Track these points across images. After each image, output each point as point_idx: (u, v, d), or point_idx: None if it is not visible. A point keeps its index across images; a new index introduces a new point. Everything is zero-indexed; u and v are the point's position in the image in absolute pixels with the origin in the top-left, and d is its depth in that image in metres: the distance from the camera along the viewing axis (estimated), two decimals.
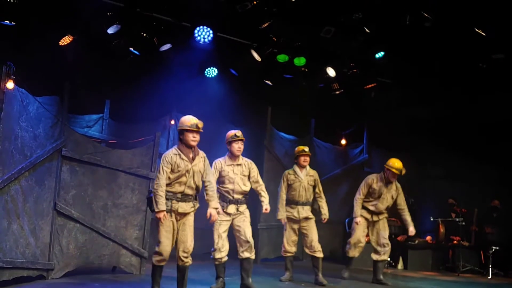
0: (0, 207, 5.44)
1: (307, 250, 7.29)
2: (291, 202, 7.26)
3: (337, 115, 10.77)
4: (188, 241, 5.48)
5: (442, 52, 9.00)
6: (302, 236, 7.29)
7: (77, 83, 7.29)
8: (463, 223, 9.62)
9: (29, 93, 5.90)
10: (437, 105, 10.23)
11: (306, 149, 7.42)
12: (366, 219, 7.59)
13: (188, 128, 5.41)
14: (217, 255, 6.18)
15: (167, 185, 5.37)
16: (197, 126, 5.42)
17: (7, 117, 5.48)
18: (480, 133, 10.29)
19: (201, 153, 5.60)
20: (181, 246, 5.46)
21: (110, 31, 8.05)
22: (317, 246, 7.16)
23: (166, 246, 5.39)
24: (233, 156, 6.34)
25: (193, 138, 5.44)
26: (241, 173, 6.34)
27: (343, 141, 11.27)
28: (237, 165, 6.35)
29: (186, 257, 5.48)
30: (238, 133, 6.33)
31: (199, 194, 5.65)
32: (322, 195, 7.42)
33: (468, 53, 8.89)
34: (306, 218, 7.22)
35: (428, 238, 10.36)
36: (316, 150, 10.70)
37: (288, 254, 7.29)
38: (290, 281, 7.20)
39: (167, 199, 5.35)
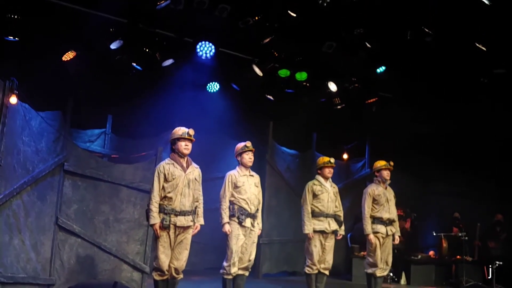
0: (2, 222, 5.43)
1: (321, 266, 6.97)
2: (319, 214, 6.96)
3: (339, 130, 10.77)
4: (182, 259, 5.52)
5: (443, 67, 9.03)
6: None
7: (80, 98, 7.31)
8: (466, 238, 9.56)
9: (32, 108, 5.93)
10: (439, 120, 10.23)
11: (332, 160, 7.18)
12: (381, 235, 7.23)
13: (180, 137, 5.50)
14: (233, 270, 6.14)
15: (165, 198, 5.40)
16: (188, 134, 5.52)
17: (10, 132, 5.50)
18: (483, 148, 10.27)
19: (195, 165, 5.70)
20: (175, 263, 5.49)
21: (113, 46, 8.10)
22: (331, 263, 7.06)
23: (164, 262, 5.41)
24: (244, 167, 6.37)
25: (185, 147, 5.53)
26: (255, 184, 6.39)
27: (345, 156, 11.25)
28: (250, 175, 6.40)
29: (178, 274, 5.53)
30: (248, 143, 6.38)
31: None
32: (341, 208, 7.21)
33: (469, 68, 8.92)
34: (333, 232, 7.00)
35: (431, 253, 10.30)
36: None
37: (316, 271, 6.96)
38: None
39: (165, 213, 5.38)
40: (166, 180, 5.42)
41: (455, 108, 9.86)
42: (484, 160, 10.21)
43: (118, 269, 7.05)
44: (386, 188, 7.52)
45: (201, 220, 5.68)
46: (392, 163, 7.46)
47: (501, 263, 9.19)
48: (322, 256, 6.99)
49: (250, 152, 6.37)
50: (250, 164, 6.38)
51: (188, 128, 5.65)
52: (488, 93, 9.31)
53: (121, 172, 7.15)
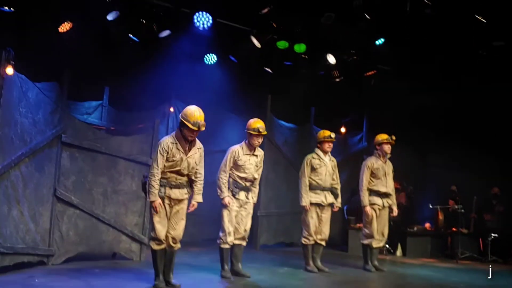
0: (1, 193, 5.44)
1: (317, 237, 7.08)
2: (316, 187, 7.04)
3: (337, 103, 10.75)
4: (179, 229, 5.56)
5: (442, 40, 8.96)
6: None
7: (76, 70, 7.26)
8: (462, 211, 9.64)
9: (28, 79, 5.88)
10: (437, 94, 10.21)
11: (333, 135, 7.18)
12: (377, 207, 7.37)
13: (190, 127, 5.30)
14: (229, 239, 6.23)
15: (161, 172, 5.40)
16: (199, 127, 5.32)
17: (6, 103, 5.46)
18: (481, 121, 10.28)
19: (198, 144, 5.58)
20: (172, 233, 5.53)
21: (109, 17, 8.02)
22: (327, 234, 7.17)
23: (160, 231, 5.46)
24: (251, 146, 6.38)
25: (191, 135, 5.40)
26: (256, 163, 6.41)
27: (343, 129, 11.25)
28: (253, 155, 6.41)
29: (175, 243, 5.57)
30: (262, 128, 6.32)
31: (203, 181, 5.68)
32: (339, 181, 7.30)
33: (469, 41, 8.86)
34: (329, 205, 7.13)
35: (427, 225, 10.39)
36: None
37: (313, 242, 7.08)
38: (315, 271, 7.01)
39: (160, 185, 5.40)
40: (167, 159, 5.39)
41: (454, 81, 9.84)
42: (482, 133, 10.22)
43: (116, 241, 7.10)
44: (385, 162, 7.54)
45: (198, 198, 5.64)
46: (394, 138, 7.48)
47: (496, 235, 9.30)
48: (319, 227, 7.09)
49: (260, 137, 6.36)
50: (257, 146, 6.41)
51: (198, 120, 5.32)
52: (487, 66, 9.26)
53: (118, 144, 7.15)
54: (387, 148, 7.52)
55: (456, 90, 9.93)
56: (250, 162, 6.35)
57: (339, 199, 7.24)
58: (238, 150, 6.37)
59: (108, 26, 8.20)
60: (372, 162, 7.49)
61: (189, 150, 5.46)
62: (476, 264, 9.03)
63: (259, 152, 6.50)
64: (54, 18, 7.89)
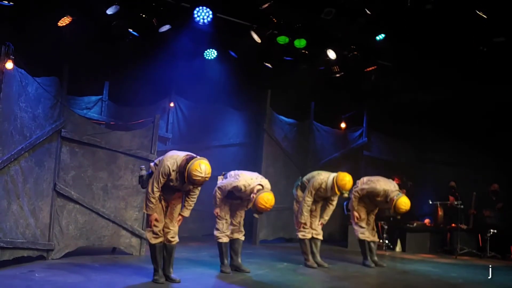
0: (0, 188, 5.44)
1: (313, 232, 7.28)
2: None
3: (337, 99, 10.74)
4: (175, 223, 5.64)
5: (443, 36, 8.93)
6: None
7: (76, 64, 7.24)
8: (462, 207, 9.65)
9: (28, 74, 5.87)
10: (437, 90, 10.20)
11: (346, 195, 7.13)
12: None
13: (195, 181, 5.25)
14: (224, 233, 6.35)
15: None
16: (203, 182, 5.31)
17: (6, 98, 5.46)
18: (480, 118, 10.28)
19: None
20: (170, 227, 5.60)
21: (109, 12, 7.98)
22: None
23: (157, 225, 5.54)
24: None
25: (196, 184, 5.36)
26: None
27: (343, 125, 11.24)
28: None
29: (173, 237, 5.62)
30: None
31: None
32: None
33: (469, 36, 8.83)
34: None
35: (427, 221, 10.40)
36: (315, 133, 10.70)
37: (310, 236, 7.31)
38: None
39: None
40: (169, 180, 5.44)
41: (454, 77, 9.81)
42: (482, 129, 10.22)
43: (116, 235, 7.11)
44: None
45: (186, 213, 5.69)
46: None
47: (495, 231, 9.30)
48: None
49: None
50: None
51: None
52: (487, 62, 9.24)
53: (118, 139, 7.15)
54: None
55: (456, 86, 9.91)
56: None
57: None
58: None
59: (108, 20, 8.17)
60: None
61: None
62: (475, 260, 9.04)
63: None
64: (53, 12, 7.85)
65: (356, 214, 7.58)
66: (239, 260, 6.42)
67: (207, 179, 5.26)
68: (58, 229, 6.49)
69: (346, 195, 7.09)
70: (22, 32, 7.16)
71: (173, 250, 5.63)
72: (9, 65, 5.42)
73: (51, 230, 6.38)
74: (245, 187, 6.10)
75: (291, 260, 7.49)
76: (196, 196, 5.67)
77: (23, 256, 5.91)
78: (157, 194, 5.42)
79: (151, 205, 5.43)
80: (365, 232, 7.56)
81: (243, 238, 6.49)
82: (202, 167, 5.19)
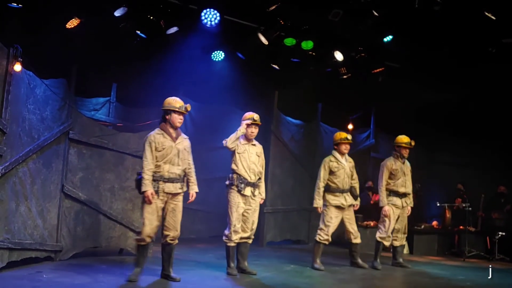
0: (9, 189, 5.47)
1: (350, 237, 7.26)
2: (335, 190, 7.14)
3: (344, 100, 10.72)
4: (178, 228, 5.65)
5: (451, 37, 8.90)
6: (342, 223, 7.23)
7: (84, 66, 7.28)
8: (470, 209, 9.60)
9: (36, 76, 5.90)
10: (445, 91, 10.15)
11: (349, 137, 7.34)
12: (396, 207, 7.49)
13: (177, 110, 5.57)
14: (234, 237, 6.21)
15: (155, 167, 5.51)
16: (185, 109, 5.60)
17: (14, 100, 5.49)
18: (488, 119, 10.22)
19: (184, 135, 5.79)
20: (171, 232, 5.61)
21: (117, 13, 8.02)
22: (357, 231, 7.32)
23: (147, 228, 5.53)
24: (246, 138, 6.38)
25: (179, 120, 5.64)
26: (256, 153, 6.41)
27: (350, 126, 11.22)
28: (252, 145, 6.42)
29: (173, 240, 5.65)
30: (256, 117, 6.36)
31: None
32: (357, 181, 7.43)
33: (478, 38, 8.79)
34: (350, 206, 7.24)
35: (434, 223, 10.36)
36: (323, 135, 10.68)
37: (326, 242, 7.16)
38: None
39: (154, 180, 5.50)
40: (156, 149, 5.51)
41: (462, 78, 9.77)
42: (489, 130, 10.16)
43: (124, 237, 7.14)
44: (404, 162, 7.61)
45: (195, 188, 5.76)
46: (413, 143, 7.52)
47: (504, 233, 9.24)
48: (349, 228, 7.23)
49: (253, 126, 6.34)
50: (252, 137, 6.39)
51: (186, 102, 5.73)
52: (496, 63, 9.19)
53: (126, 140, 7.17)
54: (405, 152, 7.56)
55: (464, 87, 9.87)
56: (250, 151, 6.33)
57: (358, 200, 7.33)
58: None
59: (116, 22, 8.20)
60: (392, 163, 7.58)
61: (176, 138, 5.65)
62: (483, 263, 8.98)
63: (257, 144, 6.50)
64: (61, 14, 7.90)
65: (387, 210, 7.41)
66: (246, 263, 6.40)
67: (183, 103, 5.61)
68: (66, 230, 6.51)
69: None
70: (31, 34, 7.20)
71: (173, 250, 5.68)
72: (18, 67, 5.44)
73: (58, 232, 6.41)
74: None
75: (298, 262, 7.49)
76: (193, 168, 5.76)
77: (31, 257, 5.94)
78: (148, 167, 5.44)
79: (144, 181, 5.42)
80: (384, 236, 7.49)
81: (251, 241, 6.45)
82: (170, 97, 5.64)
